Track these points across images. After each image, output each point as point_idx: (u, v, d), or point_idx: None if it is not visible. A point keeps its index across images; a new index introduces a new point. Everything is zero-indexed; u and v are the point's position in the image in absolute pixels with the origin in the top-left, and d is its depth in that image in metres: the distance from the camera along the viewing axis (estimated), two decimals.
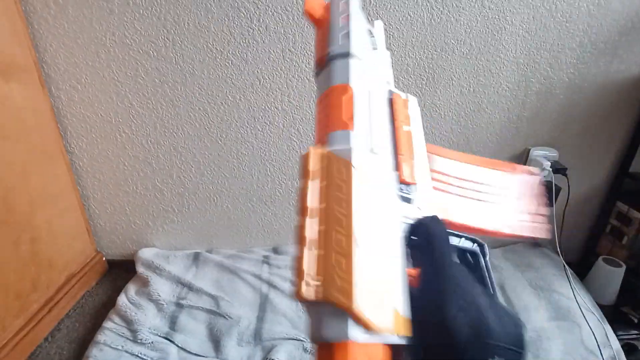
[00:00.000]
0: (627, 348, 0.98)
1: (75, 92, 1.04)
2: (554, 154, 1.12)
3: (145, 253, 1.17)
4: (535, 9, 0.97)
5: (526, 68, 1.04)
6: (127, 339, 0.91)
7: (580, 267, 1.20)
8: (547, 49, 1.02)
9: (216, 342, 0.92)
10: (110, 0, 0.94)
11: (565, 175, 1.09)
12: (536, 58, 1.03)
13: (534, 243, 1.26)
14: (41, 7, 0.94)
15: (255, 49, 1.00)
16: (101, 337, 0.91)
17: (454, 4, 0.96)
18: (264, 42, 1.00)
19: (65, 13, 0.95)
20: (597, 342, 0.92)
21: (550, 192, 1.08)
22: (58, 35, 0.97)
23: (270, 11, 0.96)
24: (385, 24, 0.98)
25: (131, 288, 1.06)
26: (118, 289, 1.10)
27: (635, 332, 1.05)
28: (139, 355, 0.87)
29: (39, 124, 1.00)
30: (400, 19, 0.98)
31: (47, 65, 1.00)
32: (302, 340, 0.93)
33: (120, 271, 1.23)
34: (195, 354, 0.89)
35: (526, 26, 0.99)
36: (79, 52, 0.99)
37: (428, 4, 0.96)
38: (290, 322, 0.97)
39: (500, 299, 1.05)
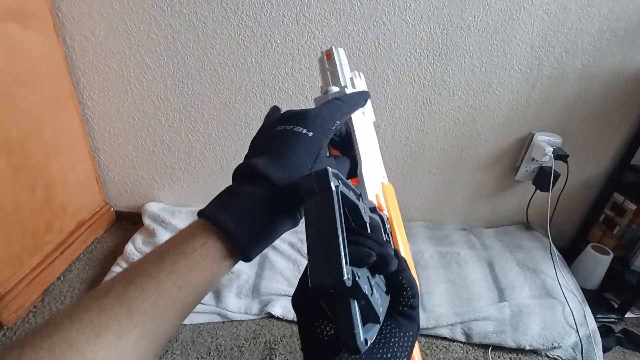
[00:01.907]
0: (604, 329, 1.03)
1: (89, 43, 1.05)
2: (557, 140, 1.13)
3: (152, 207, 1.22)
4: None
5: (540, 51, 1.03)
6: None
7: (570, 252, 1.24)
8: (564, 33, 1.00)
9: (217, 292, 0.98)
10: None
11: (566, 162, 1.10)
12: (552, 41, 1.02)
13: (527, 226, 1.30)
14: None
15: (269, 11, 1.00)
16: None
17: None
18: (278, 4, 0.99)
19: None
20: (575, 320, 0.97)
21: (548, 177, 1.10)
22: None
23: None
24: None
25: (138, 238, 1.12)
26: (125, 239, 1.16)
27: (614, 316, 1.10)
28: None
29: (53, 73, 1.02)
30: None
31: (62, 14, 1.01)
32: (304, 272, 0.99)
33: (127, 222, 1.28)
34: None
35: (546, 7, 0.97)
36: (93, 2, 0.99)
37: None
38: (286, 280, 1.03)
39: (488, 275, 1.10)
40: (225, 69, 1.07)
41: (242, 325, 0.96)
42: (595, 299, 1.13)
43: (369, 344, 0.21)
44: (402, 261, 0.26)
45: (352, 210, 0.26)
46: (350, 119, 0.35)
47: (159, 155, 1.21)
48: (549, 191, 1.12)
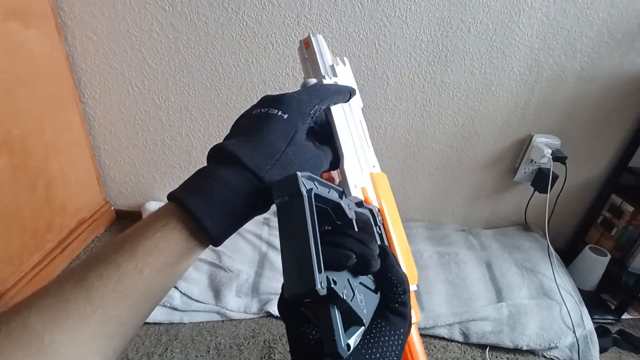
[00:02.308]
0: (601, 330, 1.04)
1: (91, 42, 1.05)
2: (556, 142, 1.14)
3: (152, 205, 1.23)
4: None
5: (540, 53, 1.04)
6: None
7: (568, 253, 1.25)
8: (563, 36, 1.01)
9: (217, 291, 0.98)
10: None
11: (564, 164, 1.11)
12: (551, 44, 1.02)
13: (525, 227, 1.31)
14: None
15: (270, 12, 1.00)
16: None
17: None
18: (280, 5, 0.99)
19: None
20: (572, 321, 0.98)
21: (546, 179, 1.11)
22: None
23: None
24: None
25: None
26: None
27: (611, 317, 1.11)
28: None
29: (55, 72, 1.02)
30: None
31: (64, 12, 1.01)
32: None
33: (127, 221, 1.29)
34: (197, 300, 0.96)
35: (545, 10, 0.98)
36: (95, 1, 0.99)
37: None
38: None
39: (486, 275, 1.11)
40: (227, 69, 1.08)
41: (241, 324, 0.96)
42: (593, 300, 1.13)
43: (352, 349, 0.20)
44: (390, 257, 0.25)
45: (335, 210, 0.25)
46: (330, 110, 0.33)
47: (160, 155, 1.22)
48: (547, 193, 1.12)
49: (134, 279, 0.23)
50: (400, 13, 1.00)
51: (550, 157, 1.09)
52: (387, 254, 0.26)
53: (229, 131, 0.30)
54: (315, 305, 0.21)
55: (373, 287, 0.25)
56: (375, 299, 0.25)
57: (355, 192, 0.31)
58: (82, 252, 1.15)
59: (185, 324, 0.95)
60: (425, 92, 1.10)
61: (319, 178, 0.24)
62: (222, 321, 0.96)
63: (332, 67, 0.36)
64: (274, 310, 0.96)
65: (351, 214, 0.26)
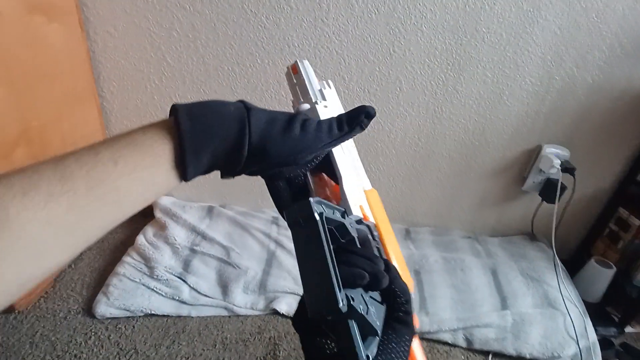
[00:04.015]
0: (604, 342, 1.04)
1: (112, 38, 1.07)
2: (565, 153, 1.14)
3: (163, 200, 1.25)
4: (571, 6, 0.97)
5: (552, 64, 1.05)
6: (144, 274, 0.99)
7: (574, 264, 1.25)
8: (575, 48, 1.02)
9: (224, 287, 1.00)
10: None
11: (573, 175, 1.12)
12: (563, 55, 1.04)
13: (532, 237, 1.31)
14: None
15: (288, 15, 1.02)
16: (121, 269, 0.99)
17: None
18: (298, 9, 1.01)
19: None
20: (575, 331, 0.98)
21: (555, 189, 1.12)
22: None
23: None
24: (419, 3, 0.99)
25: (149, 230, 1.14)
26: (135, 230, 1.18)
27: (615, 329, 1.11)
28: (155, 289, 0.96)
29: (75, 66, 1.05)
30: (435, 1, 0.99)
31: (87, 8, 1.04)
32: (302, 296, 1.01)
33: (138, 215, 1.29)
34: (205, 295, 0.97)
35: (559, 22, 1.00)
36: None
37: None
38: (293, 279, 1.05)
39: (492, 282, 1.12)
40: (243, 69, 1.10)
41: (247, 320, 0.98)
42: (597, 312, 1.14)
43: (371, 359, 0.22)
44: (392, 271, 0.27)
45: (339, 228, 0.27)
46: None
47: None
48: (555, 203, 1.13)
49: (108, 170, 0.23)
50: (416, 20, 1.01)
51: (559, 167, 1.10)
52: (390, 268, 0.27)
53: None
54: (335, 321, 0.22)
55: (379, 299, 0.27)
56: (383, 309, 0.26)
57: (355, 210, 0.33)
58: (94, 243, 1.17)
59: (192, 317, 0.96)
60: (437, 98, 1.12)
61: (325, 201, 0.26)
62: (229, 316, 0.98)
63: (321, 91, 0.37)
64: (280, 307, 0.98)
65: (353, 232, 0.28)
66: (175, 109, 0.27)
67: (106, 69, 1.12)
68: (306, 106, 0.35)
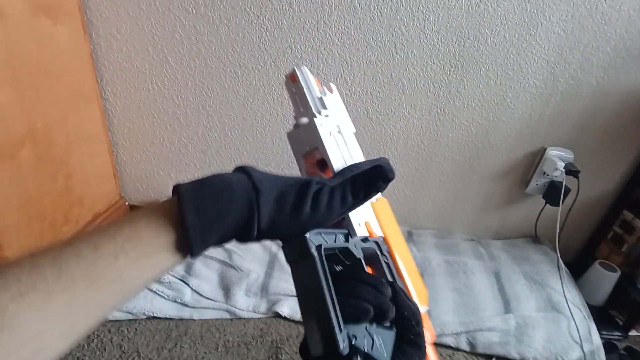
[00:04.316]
0: (608, 346, 1.03)
1: (114, 40, 1.08)
2: (569, 155, 1.14)
3: None
4: (575, 8, 0.97)
5: (556, 67, 1.04)
6: None
7: (577, 267, 1.24)
8: (580, 50, 1.02)
9: (226, 289, 1.00)
10: None
11: (577, 177, 1.11)
12: (568, 58, 1.03)
13: (535, 240, 1.31)
14: None
15: (291, 17, 1.02)
16: None
17: None
18: (300, 11, 1.01)
19: None
20: (579, 335, 0.97)
21: (558, 192, 1.11)
22: None
23: None
24: (422, 5, 0.99)
25: None
26: None
27: (619, 333, 1.10)
28: (157, 292, 0.96)
29: (78, 68, 1.05)
30: (438, 2, 0.98)
31: (91, 11, 1.04)
32: None
33: None
34: (207, 297, 0.97)
35: (563, 24, 0.99)
36: (121, 1, 1.02)
37: None
38: None
39: (495, 286, 1.11)
40: (245, 71, 1.10)
41: (249, 323, 0.98)
42: (601, 316, 1.13)
43: None
44: (399, 295, 0.26)
45: (344, 252, 0.26)
46: (326, 151, 0.33)
47: (176, 153, 1.24)
48: (559, 206, 1.12)
49: (108, 264, 0.22)
50: (419, 22, 1.01)
51: (563, 170, 1.09)
52: (397, 292, 0.26)
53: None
54: None
55: (388, 324, 0.26)
56: (391, 335, 0.26)
57: (359, 229, 0.31)
58: None
59: (195, 320, 0.96)
60: (440, 100, 1.11)
61: (324, 230, 0.25)
62: (231, 319, 0.98)
63: (321, 99, 0.36)
64: (282, 310, 0.97)
65: (359, 254, 0.27)
66: (178, 192, 0.25)
67: (109, 70, 1.12)
68: (304, 120, 0.34)
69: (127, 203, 1.33)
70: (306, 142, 0.34)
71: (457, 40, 1.03)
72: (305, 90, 0.36)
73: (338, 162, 0.33)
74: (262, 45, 1.06)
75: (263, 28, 1.04)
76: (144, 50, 1.09)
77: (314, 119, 0.34)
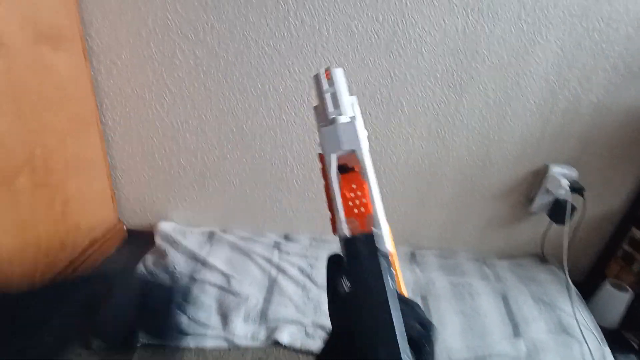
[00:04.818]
0: None
1: (115, 66, 1.09)
2: (573, 173, 1.12)
3: (164, 226, 1.23)
4: (572, 26, 0.97)
5: (555, 85, 1.04)
6: None
7: (587, 287, 1.21)
8: (579, 68, 1.02)
9: (224, 316, 0.97)
10: None
11: (582, 195, 1.09)
12: (567, 76, 1.03)
13: (542, 259, 1.27)
14: None
15: (289, 41, 1.03)
16: None
17: (490, 15, 0.97)
18: (298, 35, 1.02)
19: None
20: None
21: (564, 210, 1.09)
22: (104, 11, 1.02)
23: (308, 6, 0.99)
24: (418, 28, 1.00)
25: (149, 258, 1.12)
26: (136, 257, 1.16)
27: (634, 356, 1.06)
28: None
29: (79, 94, 1.06)
30: (435, 24, 0.99)
31: (92, 38, 1.05)
32: (304, 325, 0.98)
33: (139, 240, 1.29)
34: (204, 324, 0.94)
35: (561, 43, 0.99)
36: (122, 28, 1.04)
37: (464, 13, 0.97)
38: (295, 306, 1.02)
39: (502, 308, 1.07)
40: (244, 94, 1.10)
41: (248, 351, 0.94)
42: (614, 338, 1.08)
43: None
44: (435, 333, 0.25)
45: None
46: (363, 157, 0.32)
47: (174, 176, 1.23)
48: (564, 224, 1.10)
49: None
50: (416, 44, 1.02)
51: (568, 188, 1.07)
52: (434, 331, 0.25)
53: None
54: None
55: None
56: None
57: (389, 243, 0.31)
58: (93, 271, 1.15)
59: (191, 349, 0.93)
60: (439, 120, 1.11)
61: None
62: (229, 348, 0.94)
63: (353, 105, 0.35)
64: (282, 338, 0.94)
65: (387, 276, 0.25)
66: None
67: (109, 96, 1.13)
68: (345, 118, 0.33)
69: (125, 227, 1.31)
70: (344, 142, 0.32)
71: (455, 61, 1.03)
72: (341, 88, 0.35)
73: (371, 171, 0.33)
74: (261, 69, 1.07)
75: (261, 52, 1.05)
76: (144, 76, 1.10)
77: (354, 120, 0.33)
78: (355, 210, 0.32)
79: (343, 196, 0.32)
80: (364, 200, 0.32)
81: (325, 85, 0.35)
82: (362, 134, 0.33)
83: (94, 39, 1.06)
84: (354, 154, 0.32)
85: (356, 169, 0.33)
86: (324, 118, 0.34)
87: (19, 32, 0.85)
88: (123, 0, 1.00)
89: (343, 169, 0.33)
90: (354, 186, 0.33)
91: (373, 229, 0.21)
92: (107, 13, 1.02)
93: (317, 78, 0.36)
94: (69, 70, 1.01)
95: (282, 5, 0.99)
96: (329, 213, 0.33)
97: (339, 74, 0.36)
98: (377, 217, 0.31)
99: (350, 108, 0.35)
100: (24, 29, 0.86)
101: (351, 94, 0.35)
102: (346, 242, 0.22)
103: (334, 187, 0.32)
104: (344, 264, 0.26)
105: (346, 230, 0.29)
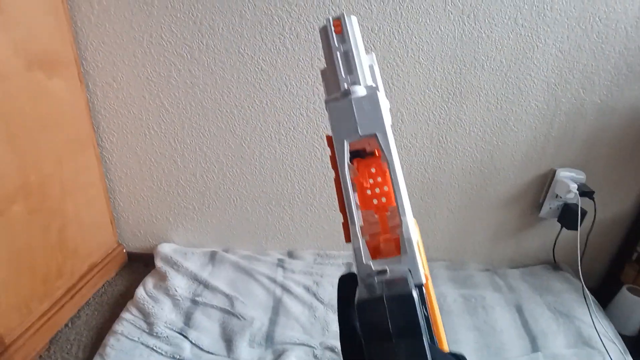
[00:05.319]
0: None
1: (111, 89, 1.08)
2: (581, 176, 1.09)
3: (165, 248, 1.20)
4: (570, 29, 0.96)
5: (557, 88, 1.02)
6: (144, 331, 0.93)
7: (602, 294, 1.16)
8: (580, 70, 1.00)
9: (228, 341, 0.93)
10: (150, 3, 0.98)
11: (592, 199, 1.06)
12: (568, 78, 1.01)
13: (554, 266, 1.23)
14: (85, 6, 0.99)
15: (285, 56, 1.02)
16: (119, 327, 0.93)
17: (486, 21, 0.96)
18: (294, 49, 1.01)
19: (108, 13, 1.00)
20: None
21: (575, 215, 1.05)
22: (99, 34, 1.02)
23: (303, 20, 0.98)
24: (415, 37, 0.99)
25: (149, 282, 1.09)
26: (136, 281, 1.13)
27: None
28: (154, 348, 0.89)
29: (75, 117, 1.05)
30: (431, 32, 0.98)
31: (87, 62, 1.05)
32: (312, 347, 0.93)
33: (139, 264, 1.26)
34: (208, 352, 0.90)
35: (559, 45, 0.98)
36: (117, 51, 1.03)
37: (460, 20, 0.96)
38: (302, 327, 0.98)
39: (518, 321, 1.03)
40: (241, 110, 1.09)
41: None
42: (635, 346, 1.03)
43: None
44: None
45: None
46: (390, 156, 0.25)
47: (174, 196, 1.21)
48: (576, 229, 1.06)
49: None
50: (413, 53, 1.01)
51: (577, 192, 1.04)
52: None
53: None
54: None
55: None
56: None
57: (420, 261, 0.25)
58: (92, 297, 1.12)
59: None
60: (440, 128, 1.09)
61: None
62: None
63: (371, 67, 0.27)
64: None
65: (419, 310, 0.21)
66: None
67: (105, 118, 1.12)
68: (361, 90, 0.25)
69: (124, 250, 1.28)
70: (362, 124, 0.24)
71: (453, 68, 1.02)
72: (357, 45, 0.26)
73: (395, 155, 0.25)
74: (258, 84, 1.06)
75: (258, 68, 1.04)
76: (140, 97, 1.09)
77: (377, 91, 0.25)
78: (375, 201, 0.25)
79: (360, 187, 0.25)
80: (385, 188, 0.25)
81: (335, 41, 0.26)
82: (385, 109, 0.25)
83: (89, 62, 1.05)
84: (373, 137, 0.25)
85: (377, 152, 0.26)
86: (335, 88, 0.26)
87: (12, 59, 0.84)
88: (117, 23, 1.00)
89: (359, 153, 0.26)
90: (372, 170, 0.26)
91: (410, 278, 0.19)
92: (102, 36, 1.02)
93: (324, 32, 0.26)
94: (64, 93, 1.00)
95: (276, 20, 0.98)
96: (332, 227, 0.29)
97: (353, 25, 0.26)
98: (403, 208, 0.24)
99: (369, 73, 0.26)
100: (18, 54, 0.85)
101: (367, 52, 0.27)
102: (362, 306, 0.19)
103: (347, 183, 0.24)
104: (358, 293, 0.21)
105: (363, 249, 0.22)
